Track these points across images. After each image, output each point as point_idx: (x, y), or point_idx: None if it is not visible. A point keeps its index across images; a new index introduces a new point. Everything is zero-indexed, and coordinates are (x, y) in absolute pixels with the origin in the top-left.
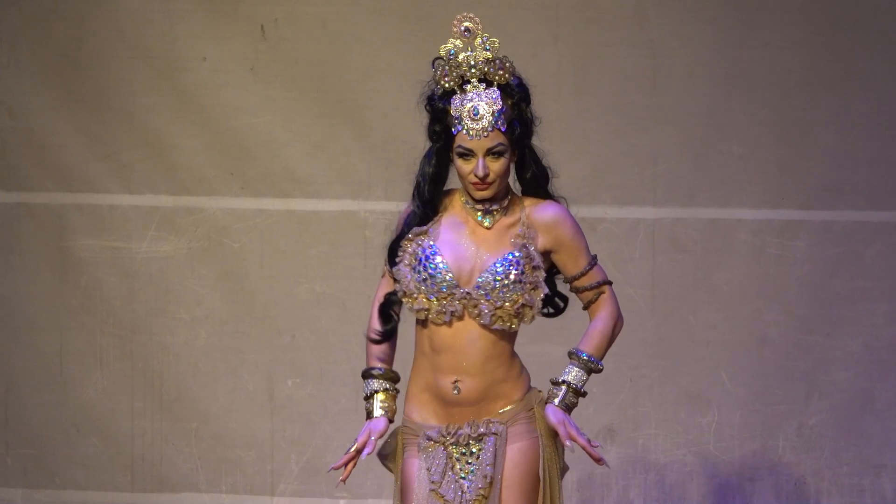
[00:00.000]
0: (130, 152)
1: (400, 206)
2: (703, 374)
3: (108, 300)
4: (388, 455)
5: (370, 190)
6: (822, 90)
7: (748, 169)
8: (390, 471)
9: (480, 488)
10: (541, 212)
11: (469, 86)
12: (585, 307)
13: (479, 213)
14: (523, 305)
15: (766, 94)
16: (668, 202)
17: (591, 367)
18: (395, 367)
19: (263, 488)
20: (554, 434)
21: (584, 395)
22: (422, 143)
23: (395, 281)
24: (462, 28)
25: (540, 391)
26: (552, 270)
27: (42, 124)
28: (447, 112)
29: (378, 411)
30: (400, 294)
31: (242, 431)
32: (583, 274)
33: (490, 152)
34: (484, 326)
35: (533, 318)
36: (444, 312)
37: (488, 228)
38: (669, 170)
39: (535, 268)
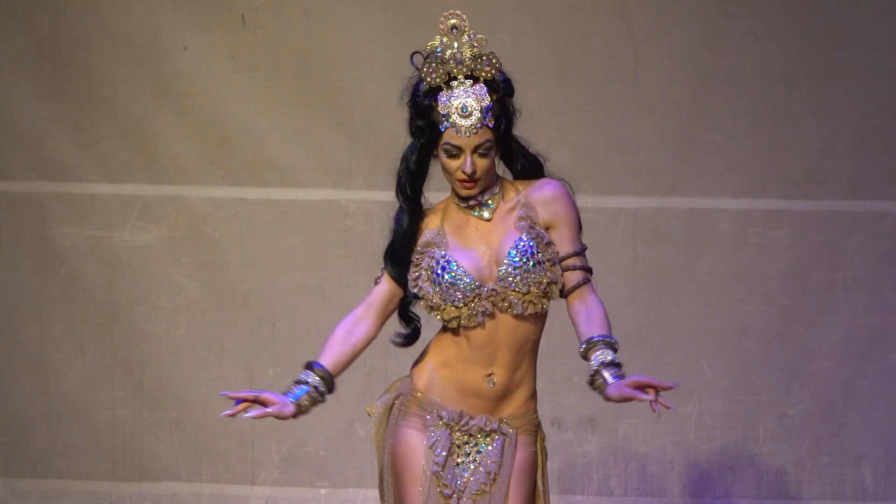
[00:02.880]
0: (111, 141)
1: (381, 195)
2: (684, 364)
3: (89, 289)
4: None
5: (351, 179)
6: (804, 80)
7: (729, 159)
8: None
9: (483, 483)
10: (538, 189)
11: (455, 82)
12: (567, 292)
13: (475, 209)
14: (549, 283)
15: (747, 84)
16: (649, 192)
17: (613, 345)
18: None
19: (244, 477)
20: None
21: (620, 365)
22: (403, 133)
23: (412, 294)
24: (449, 25)
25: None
26: None
27: (23, 113)
28: (432, 108)
29: (292, 398)
30: (427, 310)
31: (223, 420)
32: (574, 254)
33: (477, 149)
34: (517, 316)
35: (560, 293)
36: (476, 315)
37: (488, 220)
38: (651, 159)
39: (547, 244)
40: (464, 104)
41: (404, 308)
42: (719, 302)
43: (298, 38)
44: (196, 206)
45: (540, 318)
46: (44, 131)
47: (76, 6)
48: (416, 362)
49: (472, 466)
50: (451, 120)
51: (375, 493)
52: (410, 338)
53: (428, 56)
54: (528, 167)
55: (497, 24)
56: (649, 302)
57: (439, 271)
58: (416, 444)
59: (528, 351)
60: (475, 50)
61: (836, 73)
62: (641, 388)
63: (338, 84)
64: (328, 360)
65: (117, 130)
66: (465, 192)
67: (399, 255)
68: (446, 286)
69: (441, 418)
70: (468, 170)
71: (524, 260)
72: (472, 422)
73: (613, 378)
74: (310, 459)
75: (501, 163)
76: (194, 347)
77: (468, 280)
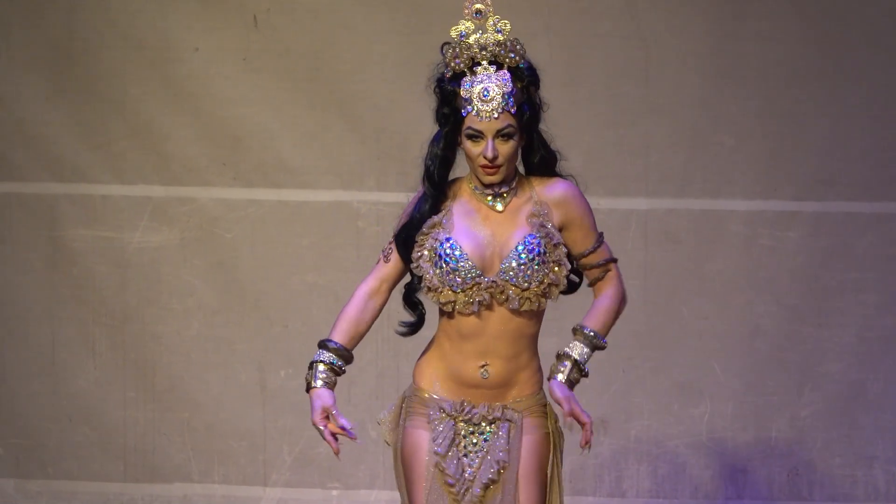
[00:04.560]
0: (122, 142)
1: (392, 196)
2: (695, 366)
3: (100, 290)
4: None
5: (362, 180)
6: (814, 81)
7: (740, 160)
8: (386, 442)
9: (493, 471)
10: (551, 189)
11: (479, 68)
12: (591, 284)
13: (489, 198)
14: (550, 285)
15: (757, 85)
16: (660, 193)
17: (596, 344)
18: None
19: (256, 478)
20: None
21: (586, 374)
22: (414, 134)
23: (415, 276)
24: (473, 10)
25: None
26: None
27: (34, 114)
28: (456, 94)
29: (318, 381)
30: (424, 290)
31: (235, 422)
32: (591, 251)
33: (499, 134)
34: (513, 310)
35: (559, 295)
36: (472, 303)
37: (500, 212)
38: (661, 161)
39: (556, 245)
40: (486, 89)
41: (409, 294)
42: (730, 303)
43: (310, 39)
44: (207, 207)
45: (536, 315)
46: (55, 132)
47: (87, 8)
48: (416, 363)
49: (479, 456)
50: (472, 104)
51: (387, 494)
52: (415, 326)
53: (451, 42)
54: (546, 160)
55: None
56: (660, 303)
57: (442, 254)
58: (421, 441)
59: (526, 343)
60: (499, 35)
61: (847, 75)
62: (574, 417)
63: (349, 85)
64: (341, 337)
65: (128, 132)
66: (487, 179)
67: (410, 240)
68: (448, 270)
69: (443, 410)
70: (489, 154)
71: (530, 257)
72: (475, 410)
73: (563, 375)
74: (321, 461)
75: (519, 154)
76: (205, 349)
77: (470, 266)
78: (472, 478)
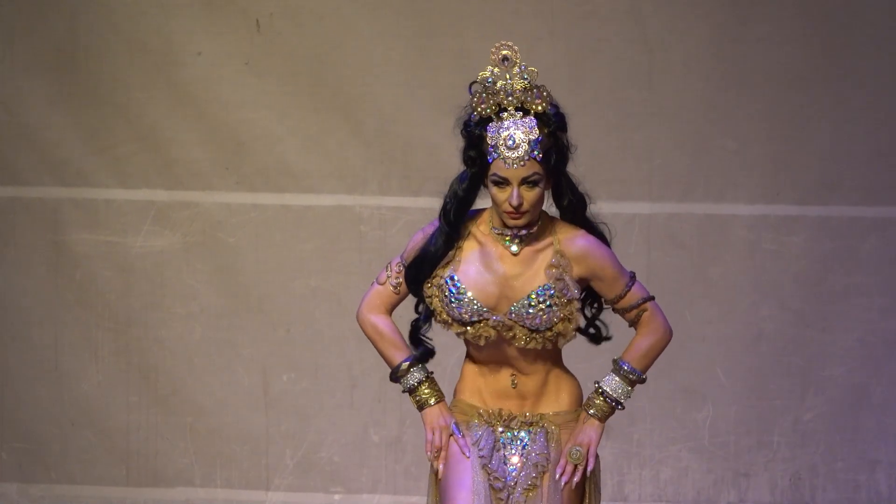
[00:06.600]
0: (125, 147)
1: (395, 200)
2: (698, 369)
3: (104, 294)
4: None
5: (365, 185)
6: (818, 85)
7: (744, 164)
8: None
9: (534, 477)
10: (571, 244)
11: (506, 114)
12: (631, 325)
13: (506, 239)
14: (557, 334)
15: (761, 90)
16: (663, 197)
17: (633, 379)
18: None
19: (258, 483)
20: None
21: (622, 407)
22: (417, 138)
23: (423, 312)
24: (500, 56)
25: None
26: (588, 298)
27: (37, 118)
28: (483, 139)
29: (432, 400)
30: (436, 322)
31: (237, 426)
32: (621, 297)
33: (525, 181)
34: (521, 348)
35: (566, 342)
36: (479, 337)
37: (515, 254)
38: (665, 165)
39: (569, 301)
40: (511, 136)
41: (415, 331)
42: (734, 307)
43: (313, 43)
44: (210, 211)
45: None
46: (58, 137)
47: (90, 11)
48: (457, 382)
49: (519, 463)
50: (498, 151)
51: (389, 498)
52: (424, 357)
53: (478, 84)
54: (574, 204)
55: (511, 29)
56: (664, 307)
57: (449, 295)
58: (463, 447)
59: (547, 357)
60: (525, 82)
61: (851, 79)
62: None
63: (352, 89)
64: (403, 352)
65: (132, 136)
66: (512, 223)
67: (422, 274)
68: (454, 308)
69: (481, 415)
70: (514, 202)
71: (542, 307)
72: (514, 416)
73: (595, 412)
74: (324, 465)
75: (548, 195)
76: (208, 353)
77: (476, 305)
78: (513, 483)
